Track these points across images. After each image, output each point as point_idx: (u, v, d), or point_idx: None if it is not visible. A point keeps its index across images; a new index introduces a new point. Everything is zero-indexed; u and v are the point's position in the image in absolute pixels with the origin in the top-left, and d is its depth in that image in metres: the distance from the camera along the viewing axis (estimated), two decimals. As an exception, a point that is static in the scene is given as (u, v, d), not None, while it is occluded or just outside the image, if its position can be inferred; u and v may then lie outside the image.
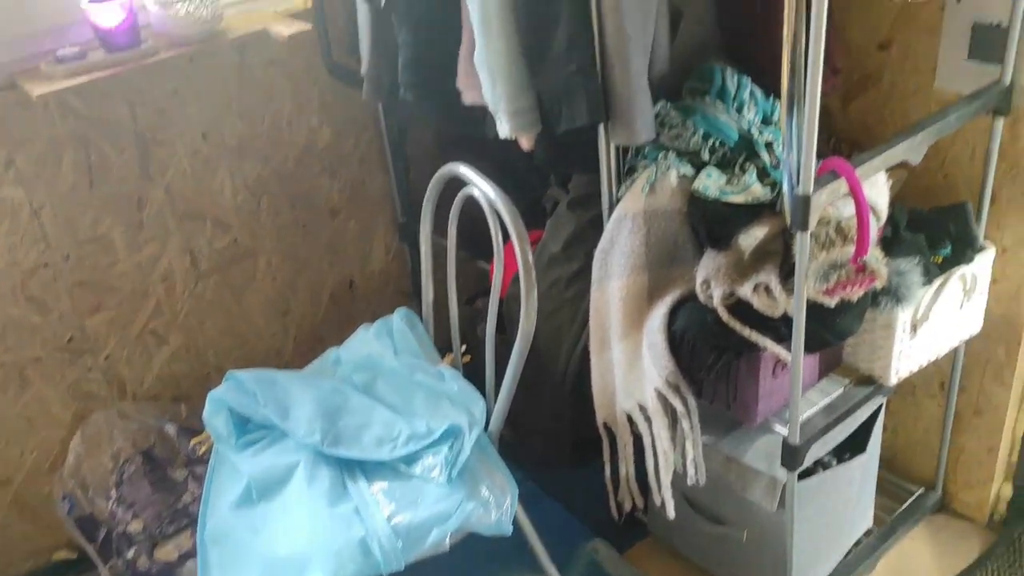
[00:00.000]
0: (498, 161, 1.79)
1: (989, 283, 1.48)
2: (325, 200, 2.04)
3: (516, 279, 1.53)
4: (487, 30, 1.39)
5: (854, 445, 1.58)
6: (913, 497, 1.81)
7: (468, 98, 1.54)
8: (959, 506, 1.79)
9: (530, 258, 1.34)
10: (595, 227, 1.52)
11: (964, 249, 1.41)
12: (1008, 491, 1.74)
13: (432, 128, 2.04)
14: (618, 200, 1.45)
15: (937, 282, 1.37)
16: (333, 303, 2.15)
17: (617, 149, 1.43)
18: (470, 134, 1.59)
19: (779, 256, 1.36)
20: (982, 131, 1.41)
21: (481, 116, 1.55)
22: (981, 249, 1.43)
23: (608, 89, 1.35)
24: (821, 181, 1.16)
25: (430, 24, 1.55)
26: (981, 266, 1.43)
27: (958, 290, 1.41)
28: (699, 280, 1.36)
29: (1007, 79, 1.33)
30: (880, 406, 1.57)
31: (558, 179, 1.76)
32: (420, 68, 1.59)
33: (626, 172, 1.46)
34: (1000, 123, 1.37)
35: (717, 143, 1.39)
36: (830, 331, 1.30)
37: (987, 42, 1.35)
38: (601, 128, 1.40)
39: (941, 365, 1.59)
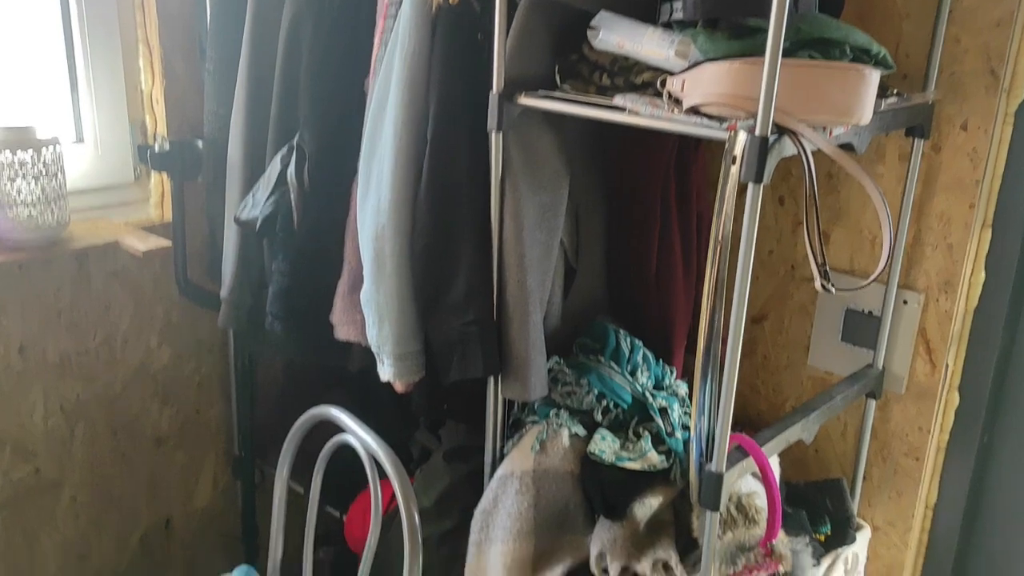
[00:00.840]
0: (358, 397, 1.68)
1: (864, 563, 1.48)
2: (152, 428, 1.81)
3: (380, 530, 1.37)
4: (379, 269, 1.32)
5: None
6: None
7: (343, 334, 1.44)
8: None
9: (416, 521, 1.20)
10: (473, 482, 1.41)
11: (844, 528, 1.41)
12: None
13: (287, 358, 1.90)
14: (503, 456, 1.36)
15: (826, 563, 1.35)
16: (143, 547, 1.85)
17: (505, 402, 1.36)
18: (332, 367, 1.49)
19: (672, 527, 1.29)
20: (853, 410, 1.46)
21: (346, 350, 1.45)
22: (859, 528, 1.44)
23: (504, 342, 1.30)
24: (731, 459, 1.13)
25: (310, 254, 1.47)
26: (860, 546, 1.43)
27: (841, 571, 1.39)
28: (594, 552, 1.26)
29: (879, 364, 1.40)
30: None
31: (429, 424, 1.65)
32: (293, 299, 1.48)
33: (511, 426, 1.38)
34: (872, 405, 1.43)
35: (611, 404, 1.35)
36: (729, 615, 1.23)
37: (859, 328, 1.43)
38: (491, 380, 1.33)
39: (814, 644, 1.54)
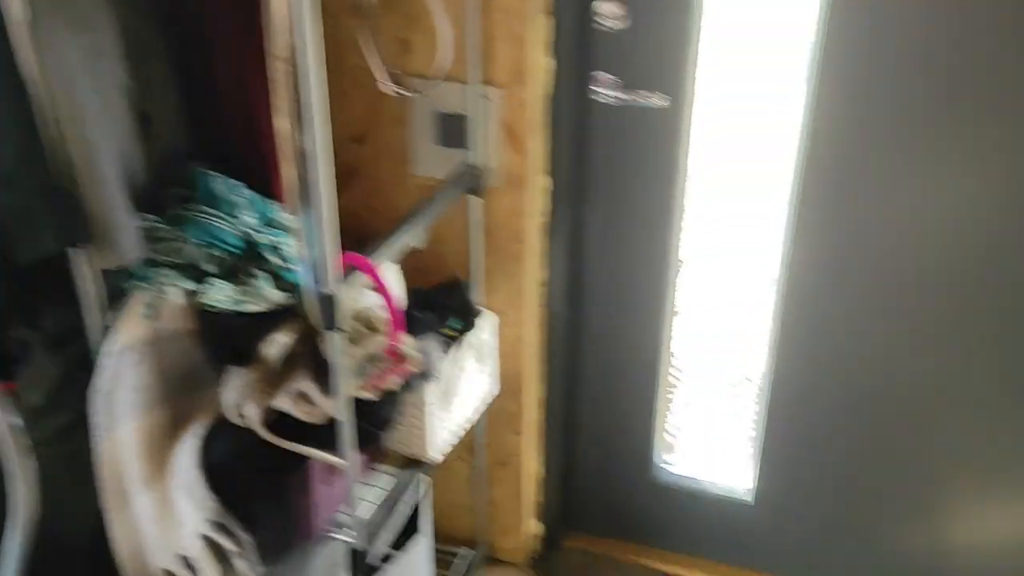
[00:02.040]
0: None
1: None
2: None
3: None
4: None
5: (406, 527, 1.57)
6: (459, 558, 1.87)
7: None
8: (502, 554, 1.91)
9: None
10: (87, 367, 1.29)
11: (470, 320, 1.50)
12: (538, 529, 1.90)
13: None
14: (111, 331, 1.25)
15: (452, 352, 1.44)
16: None
17: (100, 273, 1.24)
18: None
19: (307, 358, 1.30)
20: (463, 209, 1.52)
21: None
22: (479, 314, 1.54)
23: (79, 208, 1.16)
24: (343, 277, 1.13)
25: None
26: (486, 332, 1.54)
27: (471, 357, 1.50)
28: (229, 402, 1.23)
29: (474, 161, 1.47)
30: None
31: (22, 316, 1.47)
32: None
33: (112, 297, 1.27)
34: (475, 201, 1.50)
35: (217, 252, 1.28)
36: (375, 424, 1.28)
37: (451, 130, 1.47)
38: (75, 253, 1.19)
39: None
